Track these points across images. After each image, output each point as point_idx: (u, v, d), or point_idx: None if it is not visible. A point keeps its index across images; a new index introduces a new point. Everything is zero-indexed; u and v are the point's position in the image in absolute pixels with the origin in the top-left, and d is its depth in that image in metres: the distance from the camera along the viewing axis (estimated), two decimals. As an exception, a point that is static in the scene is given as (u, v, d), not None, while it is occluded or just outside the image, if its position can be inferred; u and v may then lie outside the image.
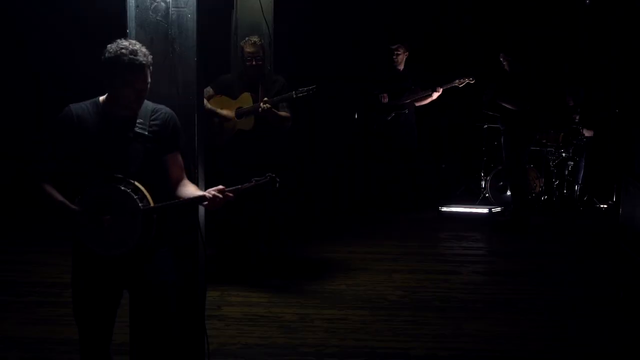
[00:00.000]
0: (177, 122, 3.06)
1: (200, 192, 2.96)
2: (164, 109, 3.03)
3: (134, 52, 2.82)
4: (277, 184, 2.94)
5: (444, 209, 8.05)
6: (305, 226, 7.43)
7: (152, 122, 2.95)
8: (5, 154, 8.44)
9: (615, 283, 5.58)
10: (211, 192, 2.89)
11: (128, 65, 2.81)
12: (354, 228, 7.51)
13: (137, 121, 2.93)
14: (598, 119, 8.67)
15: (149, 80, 2.89)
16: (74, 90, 8.28)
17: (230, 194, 2.90)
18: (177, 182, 3.02)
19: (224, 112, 5.49)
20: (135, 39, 3.14)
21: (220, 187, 2.91)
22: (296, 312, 4.79)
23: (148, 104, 2.99)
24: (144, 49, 2.88)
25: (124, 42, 2.86)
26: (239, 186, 2.92)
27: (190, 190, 2.98)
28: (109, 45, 2.86)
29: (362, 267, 5.89)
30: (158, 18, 3.34)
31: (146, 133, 2.93)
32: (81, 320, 3.01)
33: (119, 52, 2.82)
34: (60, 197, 2.86)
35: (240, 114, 5.49)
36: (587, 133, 8.45)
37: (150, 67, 2.89)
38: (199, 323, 3.30)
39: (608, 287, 5.51)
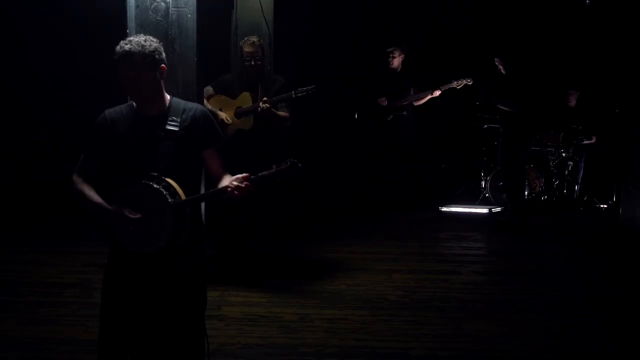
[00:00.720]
0: (208, 119, 3.07)
1: (224, 184, 2.95)
2: (195, 105, 3.06)
3: (127, 42, 2.84)
4: (299, 169, 2.90)
5: (444, 209, 8.05)
6: (305, 226, 7.43)
7: (183, 120, 2.97)
8: (5, 154, 8.45)
9: (615, 283, 5.58)
10: (234, 183, 2.88)
11: (116, 53, 2.84)
12: (354, 228, 7.51)
13: (169, 119, 2.95)
14: (598, 119, 8.69)
15: (141, 71, 2.85)
16: (74, 90, 8.36)
17: (251, 183, 2.89)
18: (218, 179, 3.03)
19: (223, 115, 5.48)
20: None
21: (245, 174, 2.90)
22: (296, 312, 4.79)
23: (180, 102, 3.03)
24: (145, 42, 2.85)
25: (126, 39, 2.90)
26: (260, 174, 2.91)
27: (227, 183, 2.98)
28: None
29: (362, 267, 5.89)
30: (158, 18, 3.35)
31: (177, 129, 2.95)
32: (106, 319, 3.02)
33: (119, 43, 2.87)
34: (97, 199, 2.91)
35: (239, 113, 5.49)
36: (587, 141, 8.48)
37: (145, 58, 2.84)
38: (200, 323, 3.29)
39: (608, 287, 5.51)
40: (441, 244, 7.08)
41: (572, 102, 8.75)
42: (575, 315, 4.89)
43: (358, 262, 6.04)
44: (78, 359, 4.00)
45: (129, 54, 2.83)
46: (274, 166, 2.91)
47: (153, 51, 2.87)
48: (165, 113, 2.97)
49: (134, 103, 2.99)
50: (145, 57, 2.86)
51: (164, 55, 2.93)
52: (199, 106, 3.07)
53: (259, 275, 5.53)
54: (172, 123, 2.95)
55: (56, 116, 8.50)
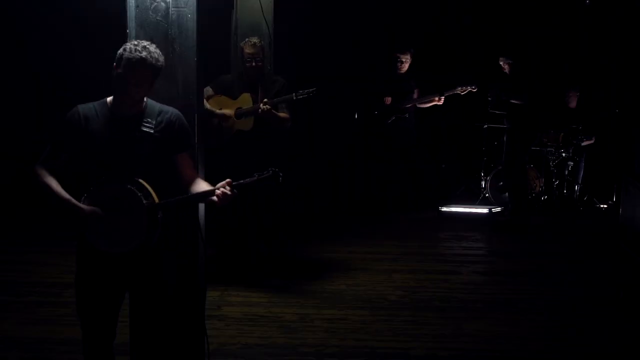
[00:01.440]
0: (183, 123, 3.06)
1: (208, 187, 2.95)
2: (171, 109, 3.05)
3: (143, 49, 2.86)
4: (280, 178, 2.91)
5: (444, 209, 8.05)
6: (305, 226, 7.42)
7: (158, 122, 2.97)
8: (5, 154, 8.44)
9: (615, 283, 5.58)
10: (224, 188, 2.87)
11: (131, 55, 2.85)
12: (354, 228, 7.51)
13: (144, 120, 2.95)
14: (598, 119, 8.68)
15: (147, 80, 2.88)
16: (74, 90, 8.34)
17: (234, 190, 2.89)
18: (190, 183, 3.02)
19: (223, 111, 5.48)
20: (135, 39, 3.14)
21: (228, 180, 2.90)
22: (296, 312, 4.79)
23: (155, 105, 3.02)
24: (159, 57, 2.90)
25: (139, 40, 2.93)
26: (242, 181, 2.92)
27: (202, 187, 2.98)
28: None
29: (362, 267, 5.89)
30: (158, 18, 3.34)
31: (152, 132, 2.94)
32: (84, 318, 3.02)
33: (128, 46, 2.88)
34: (65, 194, 2.89)
35: (239, 114, 5.49)
36: (587, 142, 8.47)
37: (155, 72, 2.89)
38: (199, 323, 3.30)
39: (608, 287, 5.51)
40: (441, 244, 7.08)
41: (572, 103, 8.74)
42: (575, 315, 4.89)
43: (358, 262, 6.04)
44: (78, 359, 3.99)
45: (145, 63, 2.85)
46: (255, 174, 2.92)
47: (160, 67, 2.93)
48: (140, 114, 2.96)
49: (107, 101, 2.97)
50: (155, 71, 2.90)
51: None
52: (175, 110, 3.06)
53: (259, 275, 5.53)
54: (147, 125, 2.94)
55: (56, 116, 8.48)
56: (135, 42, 2.89)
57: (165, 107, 3.04)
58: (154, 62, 2.87)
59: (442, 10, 9.10)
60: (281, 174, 2.92)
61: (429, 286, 5.45)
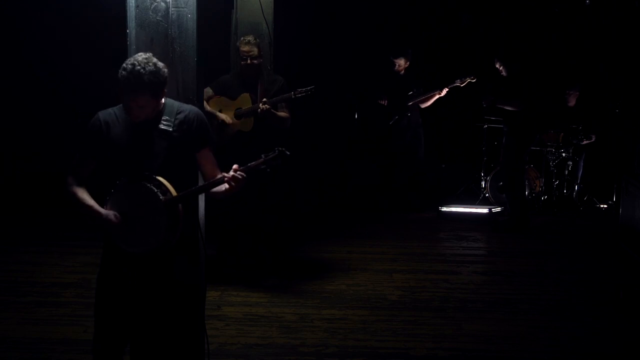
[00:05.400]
0: (202, 120, 3.08)
1: (219, 175, 2.98)
2: (189, 107, 3.08)
3: (139, 74, 2.81)
4: (287, 157, 2.91)
5: (444, 209, 8.04)
6: (305, 225, 7.42)
7: (177, 120, 2.99)
8: (6, 154, 8.44)
9: (615, 283, 5.58)
10: (230, 173, 2.90)
11: (127, 79, 2.82)
12: (353, 228, 7.50)
13: (162, 119, 2.97)
14: (598, 119, 8.68)
15: (149, 99, 2.86)
16: (74, 90, 8.34)
17: (243, 174, 2.91)
18: (212, 178, 3.04)
19: (223, 116, 5.47)
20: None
21: (235, 166, 2.92)
22: (296, 312, 4.80)
23: (174, 103, 3.04)
24: (158, 71, 2.84)
25: (136, 56, 2.86)
26: (249, 164, 2.93)
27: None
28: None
29: (362, 267, 5.89)
30: (158, 18, 3.34)
31: (171, 129, 2.96)
32: (100, 319, 3.04)
33: (123, 66, 2.85)
34: (89, 201, 2.95)
35: (239, 114, 5.49)
36: (587, 141, 8.47)
37: (156, 89, 2.85)
38: (199, 323, 3.30)
39: (608, 287, 5.51)
40: (441, 244, 7.08)
41: (572, 102, 8.74)
42: (575, 315, 4.89)
43: (358, 262, 6.04)
44: (77, 358, 4.00)
45: (142, 86, 2.81)
46: (262, 155, 2.94)
47: (163, 82, 2.89)
48: (158, 115, 2.98)
49: None
50: (154, 90, 2.87)
51: (167, 76, 2.93)
52: (193, 108, 3.09)
53: (258, 275, 5.53)
54: (165, 123, 2.96)
55: (56, 116, 8.49)
56: (132, 63, 2.82)
57: (184, 106, 3.07)
58: (151, 79, 2.82)
59: (442, 10, 9.10)
60: (288, 152, 2.91)
61: (429, 286, 5.45)
